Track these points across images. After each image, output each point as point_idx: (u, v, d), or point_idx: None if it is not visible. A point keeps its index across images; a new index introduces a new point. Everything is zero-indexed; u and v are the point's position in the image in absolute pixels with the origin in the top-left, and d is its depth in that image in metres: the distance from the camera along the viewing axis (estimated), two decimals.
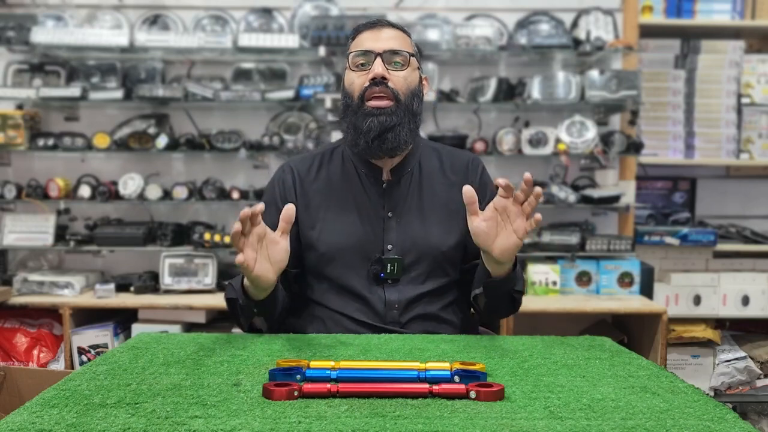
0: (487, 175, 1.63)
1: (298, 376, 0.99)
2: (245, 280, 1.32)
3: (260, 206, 1.20)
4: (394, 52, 1.45)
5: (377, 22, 1.50)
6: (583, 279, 2.73)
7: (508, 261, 1.33)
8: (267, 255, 1.25)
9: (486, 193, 1.58)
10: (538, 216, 1.23)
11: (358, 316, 1.47)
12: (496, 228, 1.27)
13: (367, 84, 1.44)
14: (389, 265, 1.46)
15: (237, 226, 1.17)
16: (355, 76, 1.47)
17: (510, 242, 1.27)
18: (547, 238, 2.74)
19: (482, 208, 1.51)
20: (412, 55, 1.48)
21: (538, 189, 1.22)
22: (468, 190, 1.27)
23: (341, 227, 1.49)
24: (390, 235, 1.49)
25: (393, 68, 1.45)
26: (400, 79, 1.46)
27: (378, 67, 1.43)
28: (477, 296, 1.47)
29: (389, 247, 1.49)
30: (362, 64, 1.46)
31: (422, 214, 1.52)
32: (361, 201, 1.51)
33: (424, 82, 1.55)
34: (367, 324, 1.46)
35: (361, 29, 1.50)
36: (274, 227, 1.27)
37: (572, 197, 2.71)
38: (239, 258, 1.19)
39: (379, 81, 1.43)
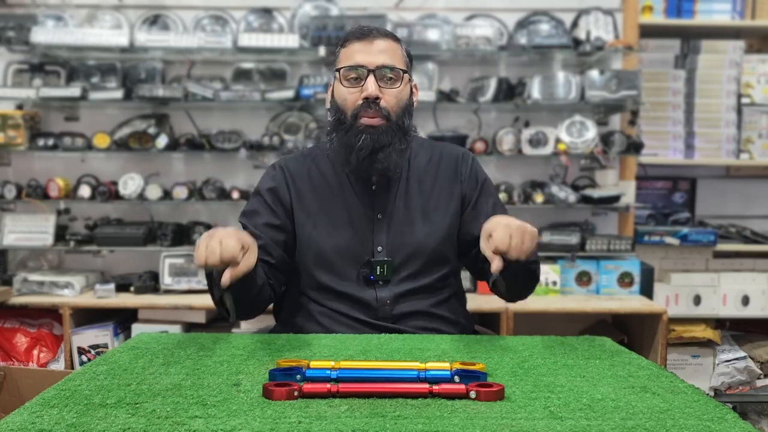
0: (478, 167, 1.62)
1: (298, 376, 0.99)
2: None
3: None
4: (387, 68, 1.45)
5: (368, 32, 1.48)
6: (583, 279, 2.73)
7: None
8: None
9: (477, 184, 1.58)
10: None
11: (351, 313, 1.48)
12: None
13: (360, 102, 1.45)
14: (378, 267, 1.48)
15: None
16: (347, 92, 1.47)
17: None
18: (547, 238, 2.74)
19: (477, 202, 1.57)
20: (405, 71, 1.49)
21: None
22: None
23: (332, 230, 1.50)
24: (380, 236, 1.51)
25: (385, 85, 1.46)
26: (392, 98, 1.47)
27: (371, 86, 1.44)
28: (495, 282, 1.45)
29: (379, 248, 1.51)
30: (354, 78, 1.46)
31: (410, 213, 1.53)
32: (351, 204, 1.53)
33: (413, 90, 1.55)
34: (361, 320, 1.47)
35: (351, 39, 1.49)
36: (263, 229, 1.31)
37: (572, 197, 2.70)
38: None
39: (372, 101, 1.44)
